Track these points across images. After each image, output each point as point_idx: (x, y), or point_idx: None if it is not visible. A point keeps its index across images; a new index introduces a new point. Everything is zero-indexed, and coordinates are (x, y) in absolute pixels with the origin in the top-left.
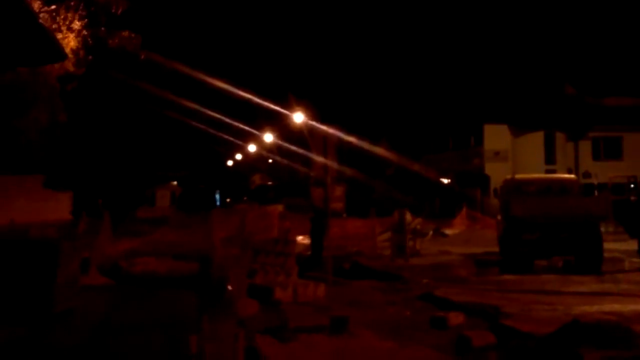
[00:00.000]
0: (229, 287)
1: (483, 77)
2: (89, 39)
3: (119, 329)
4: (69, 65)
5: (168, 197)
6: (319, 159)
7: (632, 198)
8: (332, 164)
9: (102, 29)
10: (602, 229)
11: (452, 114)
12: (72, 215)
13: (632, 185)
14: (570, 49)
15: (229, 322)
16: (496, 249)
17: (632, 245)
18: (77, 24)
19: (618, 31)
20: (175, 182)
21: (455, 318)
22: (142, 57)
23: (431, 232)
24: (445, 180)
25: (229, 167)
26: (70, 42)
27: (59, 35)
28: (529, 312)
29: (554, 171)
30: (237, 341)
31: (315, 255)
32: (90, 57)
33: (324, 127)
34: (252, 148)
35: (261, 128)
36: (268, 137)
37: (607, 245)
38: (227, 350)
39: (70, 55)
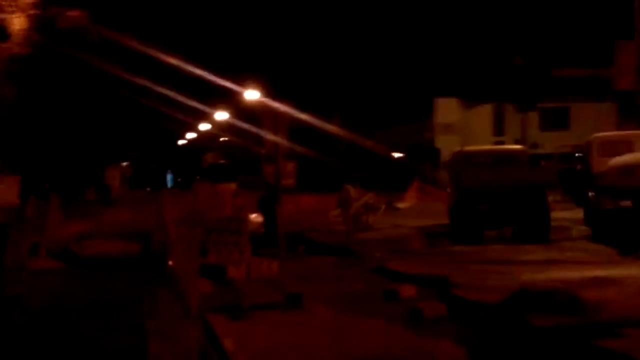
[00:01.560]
0: (170, 263)
1: (433, 50)
2: (36, 19)
3: (69, 311)
4: (15, 46)
5: (118, 177)
6: (271, 135)
7: (578, 167)
8: (283, 140)
9: (50, 8)
10: (550, 198)
11: (402, 88)
12: (21, 199)
13: (577, 155)
14: (518, 20)
15: (174, 300)
16: (447, 221)
17: (578, 213)
18: (23, 4)
19: (566, 3)
20: (125, 163)
21: (407, 290)
22: (92, 35)
23: (383, 206)
24: (397, 155)
25: (181, 146)
26: (16, 22)
27: (3, 16)
28: (479, 282)
29: (502, 143)
30: (185, 319)
31: (268, 232)
32: (37, 37)
33: (275, 104)
34: (204, 126)
35: (214, 106)
36: (221, 115)
37: (554, 214)
38: (172, 328)
39: (15, 35)
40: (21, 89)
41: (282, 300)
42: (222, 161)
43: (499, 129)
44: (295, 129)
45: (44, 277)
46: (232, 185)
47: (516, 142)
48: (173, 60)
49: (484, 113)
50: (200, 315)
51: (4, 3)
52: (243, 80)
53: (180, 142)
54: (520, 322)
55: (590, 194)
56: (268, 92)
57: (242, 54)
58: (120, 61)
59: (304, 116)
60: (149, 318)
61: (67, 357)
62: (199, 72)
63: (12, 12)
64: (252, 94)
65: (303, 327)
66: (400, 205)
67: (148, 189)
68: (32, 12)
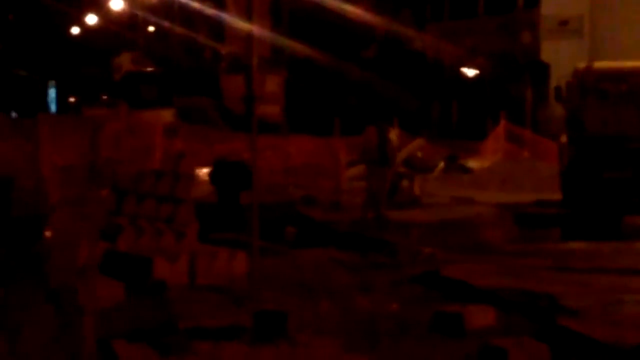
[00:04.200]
0: (46, 236)
1: None
2: None
3: None
4: None
5: None
6: (239, 23)
7: None
8: (263, 31)
9: None
10: None
11: None
12: None
13: None
14: None
15: (49, 315)
16: (557, 195)
17: None
18: None
19: None
20: None
21: (479, 316)
22: None
23: (442, 164)
24: (470, 71)
25: (73, 38)
26: None
27: None
28: (609, 308)
29: None
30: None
31: (229, 201)
32: None
33: None
34: (117, 4)
35: None
36: None
37: None
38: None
39: None
40: None
41: (250, 325)
42: (147, 69)
43: None
44: (282, 12)
45: None
46: (166, 114)
47: None
48: None
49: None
50: (99, 344)
51: None
52: None
53: (74, 30)
54: None
55: None
56: None
57: None
58: None
59: None
60: None
61: None
62: None
63: None
64: None
65: None
66: (473, 163)
67: (13, 113)
68: None
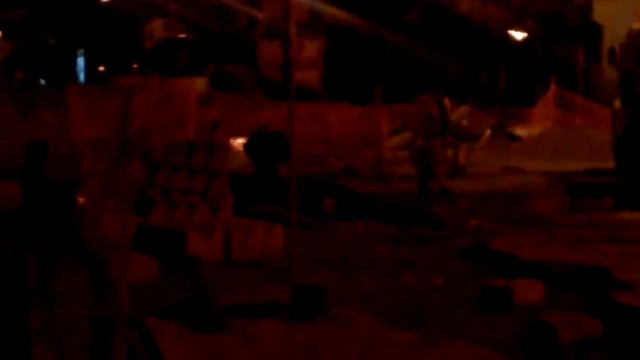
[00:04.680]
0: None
1: None
2: None
3: None
4: None
5: None
6: None
7: None
8: None
9: None
10: None
11: None
12: None
13: None
14: None
15: (82, 287)
16: (610, 163)
17: None
18: None
19: None
20: None
21: (528, 290)
22: None
23: (489, 132)
24: (519, 34)
25: (103, 4)
26: None
27: None
28: None
29: None
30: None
31: (265, 173)
32: None
33: None
34: None
35: None
36: None
37: None
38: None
39: None
40: None
41: (288, 301)
42: (180, 36)
43: None
44: None
45: None
46: (199, 83)
47: None
48: None
49: None
50: (133, 321)
51: None
52: None
53: None
54: None
55: None
56: None
57: None
58: None
59: None
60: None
61: None
62: None
63: None
64: None
65: (326, 353)
66: (521, 131)
67: (42, 81)
68: None
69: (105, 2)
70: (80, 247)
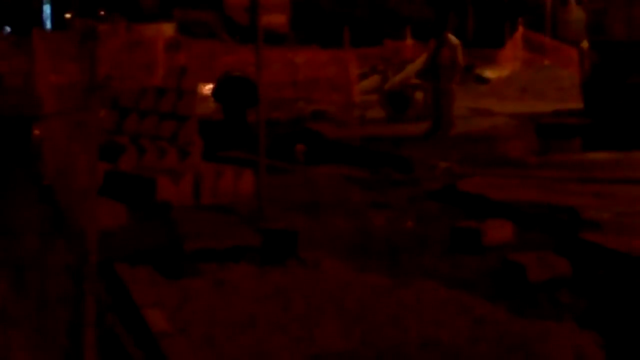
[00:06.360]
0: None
1: None
2: None
3: None
4: None
5: None
6: None
7: None
8: None
9: None
10: None
11: None
12: None
13: None
14: None
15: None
16: (578, 104)
17: None
18: None
19: None
20: None
21: (497, 231)
22: None
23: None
24: None
25: None
26: None
27: None
28: (634, 218)
29: None
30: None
31: (234, 118)
32: None
33: None
34: None
35: None
36: None
37: None
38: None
39: None
40: None
41: (258, 245)
42: None
43: None
44: None
45: None
46: (167, 28)
47: None
48: None
49: None
50: (101, 268)
51: None
52: None
53: None
54: None
55: None
56: None
57: None
58: None
59: None
60: None
61: None
62: None
63: None
64: None
65: (296, 296)
66: (490, 72)
67: (8, 28)
68: None
69: None
70: (36, 181)
